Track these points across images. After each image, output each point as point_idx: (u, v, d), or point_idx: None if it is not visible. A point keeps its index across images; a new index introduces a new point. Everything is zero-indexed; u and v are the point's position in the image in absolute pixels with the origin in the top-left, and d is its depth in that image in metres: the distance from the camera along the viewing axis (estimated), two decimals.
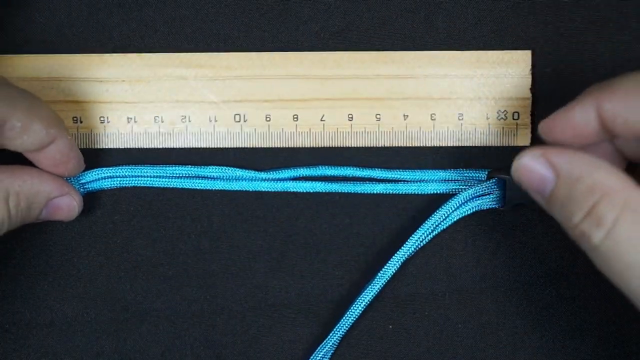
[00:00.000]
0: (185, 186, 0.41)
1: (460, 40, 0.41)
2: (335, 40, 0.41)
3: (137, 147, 0.41)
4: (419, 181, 0.41)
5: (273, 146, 0.41)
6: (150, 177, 0.41)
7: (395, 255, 0.40)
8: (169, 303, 0.41)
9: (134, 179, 0.41)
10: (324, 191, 0.41)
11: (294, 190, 0.41)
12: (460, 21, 0.41)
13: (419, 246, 0.40)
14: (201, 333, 0.41)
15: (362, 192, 0.41)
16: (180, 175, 0.41)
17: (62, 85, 0.41)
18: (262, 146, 0.41)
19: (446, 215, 0.40)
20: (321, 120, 0.41)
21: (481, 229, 0.41)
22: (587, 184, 0.32)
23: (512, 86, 0.41)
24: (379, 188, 0.41)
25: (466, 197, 0.40)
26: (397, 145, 0.41)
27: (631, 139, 0.34)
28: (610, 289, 0.35)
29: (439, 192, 0.41)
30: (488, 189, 0.40)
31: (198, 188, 0.41)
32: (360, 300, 0.40)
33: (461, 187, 0.41)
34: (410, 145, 0.41)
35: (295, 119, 0.41)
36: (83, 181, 0.40)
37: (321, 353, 0.40)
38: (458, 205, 0.40)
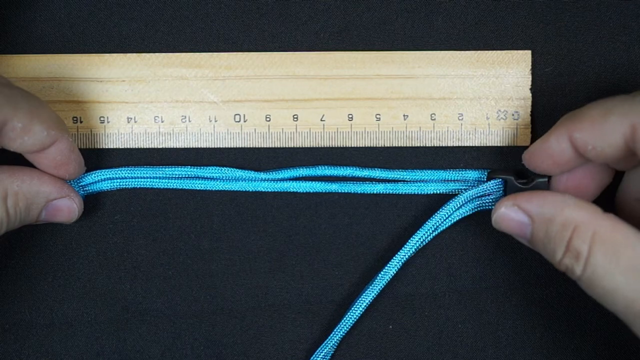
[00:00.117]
0: (185, 187, 0.41)
1: (460, 40, 0.41)
2: (335, 40, 0.41)
3: (137, 147, 0.41)
4: (419, 181, 0.41)
5: (273, 146, 0.41)
6: (151, 178, 0.41)
7: (396, 255, 0.40)
8: (169, 303, 0.41)
9: (134, 180, 0.41)
10: (323, 191, 0.41)
11: (294, 190, 0.41)
12: (460, 21, 0.41)
13: (420, 247, 0.40)
14: (201, 333, 0.41)
15: (362, 192, 0.41)
16: (180, 176, 0.41)
17: (62, 85, 0.41)
18: (262, 146, 0.41)
19: (447, 215, 0.40)
20: (321, 120, 0.41)
21: (481, 229, 0.41)
22: (559, 221, 0.35)
23: (512, 86, 0.41)
24: (379, 188, 0.41)
25: (467, 197, 0.40)
26: (397, 145, 0.41)
27: (603, 163, 0.37)
28: None
29: (439, 192, 0.41)
30: (489, 190, 0.40)
31: (198, 189, 0.41)
32: (361, 301, 0.40)
33: (461, 187, 0.41)
34: (410, 145, 0.41)
35: (295, 119, 0.41)
36: (83, 183, 0.40)
37: (322, 353, 0.40)
38: (459, 205, 0.40)
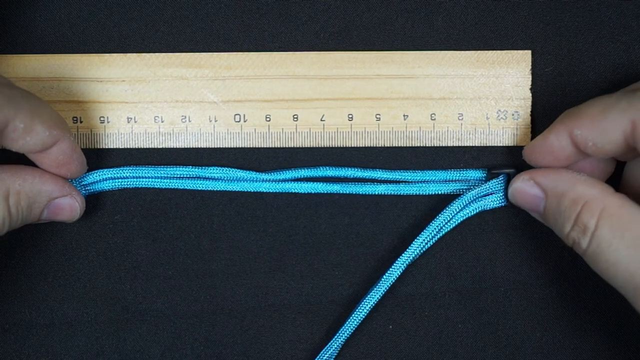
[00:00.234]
0: (187, 187, 0.41)
1: (460, 40, 0.41)
2: (335, 40, 0.41)
3: (137, 147, 0.41)
4: (421, 182, 0.41)
5: (273, 146, 0.41)
6: (152, 178, 0.41)
7: (401, 257, 0.40)
8: (169, 303, 0.41)
9: (135, 180, 0.41)
10: (325, 192, 0.41)
11: (296, 191, 0.41)
12: (460, 21, 0.41)
13: (425, 248, 0.40)
14: (201, 333, 0.41)
15: (364, 193, 0.41)
16: (182, 176, 0.41)
17: (62, 85, 0.41)
18: (262, 146, 0.41)
19: (450, 216, 0.40)
20: (321, 120, 0.41)
21: (481, 229, 0.41)
22: (571, 197, 0.36)
23: (512, 86, 0.41)
24: (380, 189, 0.41)
25: (470, 197, 0.40)
26: (397, 145, 0.41)
27: (603, 158, 0.38)
28: (610, 288, 0.35)
29: (441, 193, 0.41)
30: (491, 189, 0.40)
31: (200, 189, 0.41)
32: (366, 303, 0.40)
33: (463, 187, 0.41)
34: (410, 145, 0.41)
35: (295, 119, 0.41)
36: (85, 182, 0.40)
37: (325, 357, 0.40)
38: (462, 206, 0.40)
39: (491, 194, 0.40)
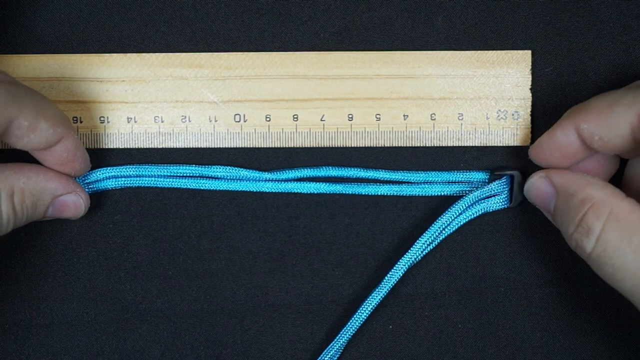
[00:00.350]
0: (190, 186, 0.41)
1: (460, 40, 0.41)
2: (335, 40, 0.41)
3: (137, 147, 0.41)
4: (424, 183, 0.41)
5: (273, 146, 0.41)
6: (156, 176, 0.41)
7: (402, 258, 0.40)
8: (169, 303, 0.41)
9: (139, 178, 0.41)
10: (327, 192, 0.41)
11: (298, 191, 0.41)
12: (460, 21, 0.41)
13: (427, 250, 0.40)
14: (201, 333, 0.41)
15: (366, 193, 0.41)
16: (186, 174, 0.41)
17: (62, 85, 0.41)
18: (262, 146, 0.41)
19: (453, 217, 0.40)
20: (321, 120, 0.41)
21: (481, 228, 0.41)
22: (580, 197, 0.35)
23: (512, 86, 0.41)
24: (382, 189, 0.41)
25: (473, 199, 0.40)
26: (397, 145, 0.41)
27: (610, 154, 0.38)
28: (610, 289, 0.35)
29: (443, 194, 0.41)
30: (494, 191, 0.40)
31: (203, 188, 0.41)
32: (367, 305, 0.40)
33: (466, 188, 0.41)
34: (410, 145, 0.41)
35: (295, 119, 0.41)
36: (88, 181, 0.41)
37: (326, 357, 0.40)
38: (465, 207, 0.40)
39: (494, 195, 0.40)
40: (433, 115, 0.41)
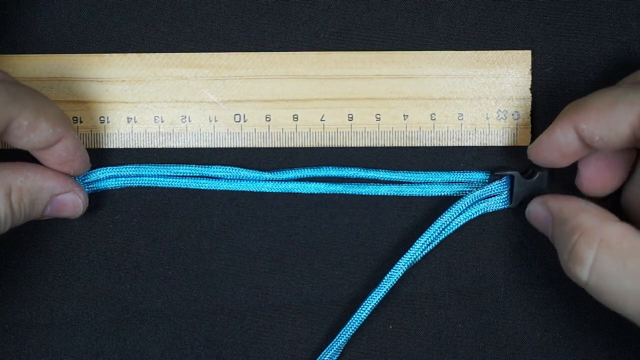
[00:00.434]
0: (190, 186, 0.41)
1: (460, 40, 0.41)
2: (335, 40, 0.41)
3: (137, 147, 0.41)
4: (424, 183, 0.41)
5: (273, 146, 0.41)
6: (156, 176, 0.41)
7: (402, 258, 0.40)
8: (169, 303, 0.41)
9: (139, 178, 0.41)
10: (328, 192, 0.41)
11: (299, 191, 0.41)
12: (460, 21, 0.41)
13: (427, 250, 0.40)
14: (201, 333, 0.41)
15: (367, 193, 0.41)
16: (186, 174, 0.41)
17: (62, 85, 0.41)
18: (262, 146, 0.41)
19: (453, 217, 0.40)
20: (321, 120, 0.41)
21: (481, 228, 0.41)
22: (570, 225, 0.35)
23: (512, 86, 0.41)
24: (382, 190, 0.41)
25: (473, 199, 0.40)
26: (397, 145, 0.41)
27: (610, 152, 0.37)
28: None
29: (444, 194, 0.41)
30: (494, 191, 0.40)
31: (203, 188, 0.41)
32: (366, 305, 0.40)
33: (466, 189, 0.41)
34: (410, 145, 0.41)
35: (295, 119, 0.41)
36: (88, 180, 0.41)
37: (326, 357, 0.40)
38: (465, 207, 0.40)
39: (494, 195, 0.40)
40: (433, 115, 0.41)
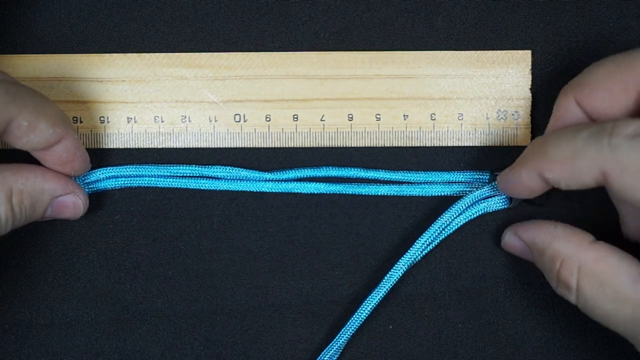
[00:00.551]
0: (190, 186, 0.41)
1: (460, 40, 0.41)
2: (335, 40, 0.41)
3: (137, 147, 0.41)
4: (424, 183, 0.41)
5: (273, 146, 0.41)
6: (156, 176, 0.41)
7: (402, 258, 0.40)
8: (169, 303, 0.41)
9: (139, 178, 0.41)
10: (328, 192, 0.41)
11: (299, 191, 0.41)
12: (460, 21, 0.41)
13: (427, 250, 0.40)
14: (201, 333, 0.41)
15: (367, 193, 0.41)
16: (186, 174, 0.41)
17: (62, 85, 0.41)
18: (262, 146, 0.41)
19: (453, 217, 0.40)
20: (321, 120, 0.41)
21: (481, 228, 0.41)
22: (549, 254, 0.36)
23: (512, 86, 0.41)
24: (383, 190, 0.41)
25: (473, 199, 0.40)
26: (397, 145, 0.41)
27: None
28: None
29: (444, 194, 0.41)
30: (494, 191, 0.40)
31: (203, 188, 0.41)
32: (366, 305, 0.40)
33: (466, 189, 0.41)
34: (410, 145, 0.41)
35: (295, 119, 0.41)
36: (88, 181, 0.41)
37: (325, 357, 0.40)
38: (465, 207, 0.40)
39: (494, 195, 0.40)
40: (433, 115, 0.41)
